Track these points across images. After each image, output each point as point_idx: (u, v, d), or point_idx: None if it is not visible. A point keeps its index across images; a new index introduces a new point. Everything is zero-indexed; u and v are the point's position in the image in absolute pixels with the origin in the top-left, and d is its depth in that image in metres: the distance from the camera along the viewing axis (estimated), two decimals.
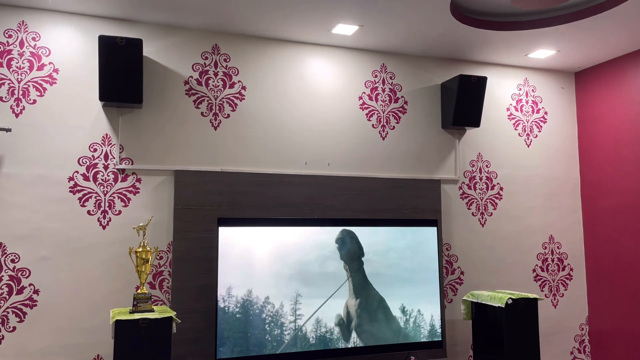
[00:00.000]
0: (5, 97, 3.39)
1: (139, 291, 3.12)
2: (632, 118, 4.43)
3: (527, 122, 4.79)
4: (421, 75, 4.47)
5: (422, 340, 3.90)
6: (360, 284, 3.78)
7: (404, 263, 3.91)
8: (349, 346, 3.69)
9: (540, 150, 4.81)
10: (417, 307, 3.90)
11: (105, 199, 3.54)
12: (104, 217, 3.53)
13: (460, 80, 4.23)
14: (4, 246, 3.31)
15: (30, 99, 3.44)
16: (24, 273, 3.33)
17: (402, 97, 4.39)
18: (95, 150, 3.56)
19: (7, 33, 3.42)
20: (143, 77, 3.51)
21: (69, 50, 3.54)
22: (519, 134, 4.75)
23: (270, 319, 3.52)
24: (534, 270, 4.68)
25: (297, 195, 3.88)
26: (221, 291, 3.42)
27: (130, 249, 3.22)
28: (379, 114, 4.31)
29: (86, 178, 3.51)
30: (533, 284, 4.66)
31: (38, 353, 3.30)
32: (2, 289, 3.28)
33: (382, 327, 3.80)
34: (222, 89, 3.89)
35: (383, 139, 4.30)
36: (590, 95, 4.84)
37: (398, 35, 4.02)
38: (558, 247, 4.78)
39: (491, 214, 4.58)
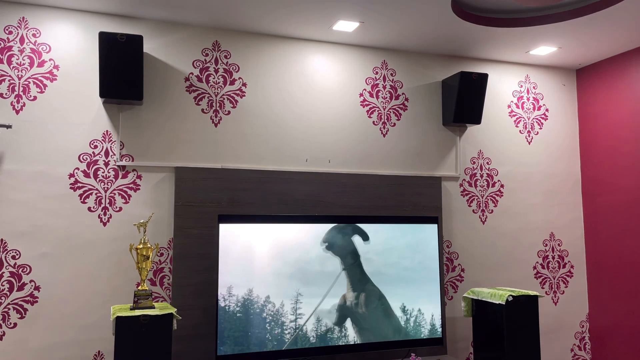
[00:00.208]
0: (6, 94, 3.38)
1: (139, 288, 3.12)
2: (633, 115, 4.42)
3: (528, 119, 4.78)
4: (422, 72, 4.46)
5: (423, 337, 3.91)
6: (358, 279, 3.77)
7: (404, 262, 3.90)
8: (349, 342, 3.69)
9: (541, 147, 4.80)
10: (418, 307, 3.89)
11: (105, 195, 3.54)
12: (105, 214, 3.53)
13: (461, 77, 4.22)
14: (5, 243, 3.31)
15: (30, 96, 3.43)
16: (25, 269, 3.34)
17: (402, 94, 4.39)
18: (95, 147, 3.55)
19: (7, 29, 3.42)
20: (143, 73, 3.50)
21: (70, 46, 3.54)
22: (520, 131, 4.74)
23: (270, 318, 3.52)
24: (534, 268, 4.68)
25: (297, 192, 3.88)
26: (222, 290, 3.41)
27: (131, 245, 3.22)
28: (379, 111, 4.30)
29: (87, 175, 3.51)
30: (533, 281, 4.66)
31: (39, 349, 3.31)
32: (3, 285, 3.29)
33: (382, 322, 3.80)
34: (223, 86, 3.89)
35: (384, 135, 4.29)
36: (591, 93, 4.83)
37: (399, 32, 4.01)
38: (559, 244, 4.78)
39: (492, 211, 4.57)
